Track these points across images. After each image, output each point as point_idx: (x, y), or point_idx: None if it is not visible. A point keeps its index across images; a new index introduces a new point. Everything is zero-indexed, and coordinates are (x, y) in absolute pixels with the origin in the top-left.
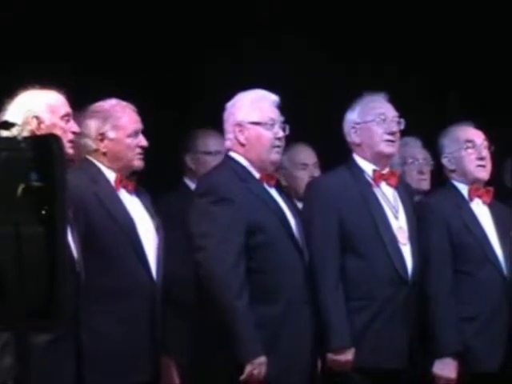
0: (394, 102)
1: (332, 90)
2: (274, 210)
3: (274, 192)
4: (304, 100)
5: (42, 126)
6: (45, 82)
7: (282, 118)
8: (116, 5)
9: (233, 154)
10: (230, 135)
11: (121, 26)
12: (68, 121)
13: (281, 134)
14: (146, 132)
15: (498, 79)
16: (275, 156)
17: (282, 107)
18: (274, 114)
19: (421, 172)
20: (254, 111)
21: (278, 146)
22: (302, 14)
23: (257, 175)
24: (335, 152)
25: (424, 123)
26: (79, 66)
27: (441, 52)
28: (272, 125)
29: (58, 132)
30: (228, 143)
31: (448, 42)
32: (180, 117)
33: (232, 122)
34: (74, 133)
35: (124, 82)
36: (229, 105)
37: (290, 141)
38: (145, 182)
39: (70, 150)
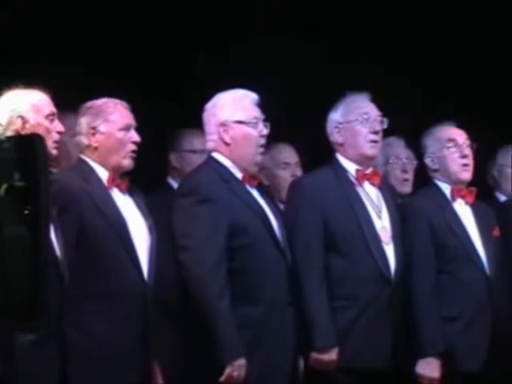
0: (378, 101)
1: (321, 90)
2: (256, 211)
3: (255, 193)
4: (289, 100)
5: (27, 125)
6: (44, 82)
7: (263, 116)
8: (114, 5)
9: (215, 155)
10: (213, 136)
11: (117, 25)
12: (53, 120)
13: (265, 131)
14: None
15: (481, 79)
16: (259, 157)
17: (266, 107)
18: (256, 112)
19: (404, 171)
20: (237, 110)
21: (262, 145)
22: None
23: (239, 176)
24: (318, 152)
25: (407, 123)
26: (77, 66)
27: (425, 52)
28: (256, 123)
29: (42, 132)
30: (211, 144)
31: (432, 43)
32: (165, 116)
33: (215, 122)
34: (59, 132)
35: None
36: (208, 106)
37: (272, 140)
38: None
39: (54, 151)
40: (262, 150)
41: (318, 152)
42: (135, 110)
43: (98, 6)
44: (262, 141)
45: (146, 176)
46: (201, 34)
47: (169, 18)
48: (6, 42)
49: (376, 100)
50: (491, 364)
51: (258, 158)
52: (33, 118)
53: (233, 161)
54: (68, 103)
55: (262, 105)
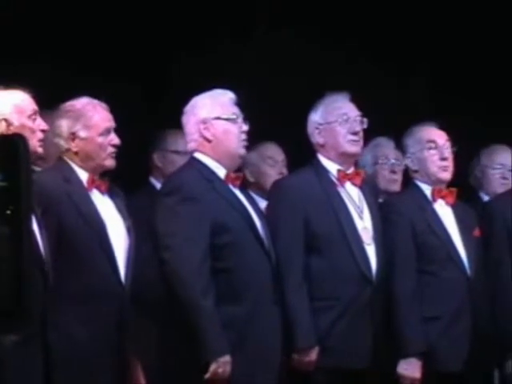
0: (365, 102)
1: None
2: (240, 210)
3: (238, 193)
4: (276, 99)
5: (11, 127)
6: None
7: (241, 114)
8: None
9: (198, 155)
10: (193, 136)
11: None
12: (35, 119)
13: (245, 127)
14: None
15: (467, 80)
16: (242, 150)
17: (252, 106)
18: (235, 109)
19: (393, 172)
20: (216, 107)
21: (244, 140)
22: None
23: (222, 176)
24: (303, 152)
25: (396, 123)
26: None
27: (413, 54)
28: (235, 119)
29: (27, 132)
30: (192, 144)
31: (422, 44)
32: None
33: (195, 121)
34: (42, 130)
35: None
36: (187, 107)
37: (259, 139)
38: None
39: (39, 149)
40: (244, 143)
41: (304, 151)
42: (118, 110)
43: (88, 7)
44: (243, 136)
45: (128, 176)
46: (183, 34)
47: (154, 19)
48: (6, 41)
49: (360, 99)
50: (471, 363)
51: (242, 151)
52: (16, 120)
53: (216, 159)
54: (54, 102)
55: (248, 104)
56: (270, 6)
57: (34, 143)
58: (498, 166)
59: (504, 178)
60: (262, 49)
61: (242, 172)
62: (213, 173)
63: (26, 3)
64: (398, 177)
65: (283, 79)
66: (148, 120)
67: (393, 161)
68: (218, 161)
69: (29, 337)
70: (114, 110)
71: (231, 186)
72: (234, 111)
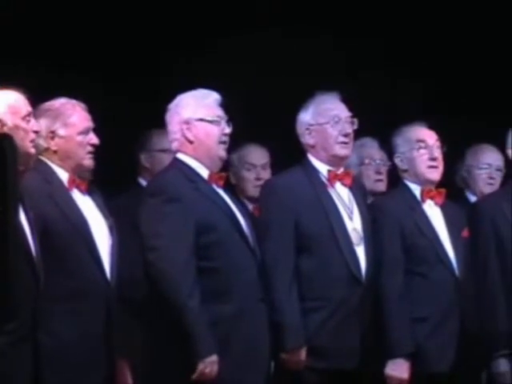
0: (350, 101)
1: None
2: (224, 209)
3: (222, 192)
4: (261, 100)
5: (5, 128)
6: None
7: (225, 116)
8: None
9: (180, 156)
10: (176, 135)
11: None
12: (29, 121)
13: (227, 130)
14: (97, 130)
15: (455, 80)
16: (223, 152)
17: (237, 107)
18: (219, 111)
19: (378, 172)
20: (200, 108)
21: (225, 142)
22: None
23: (205, 176)
24: (290, 151)
25: (380, 124)
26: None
27: (401, 52)
28: (219, 121)
29: (20, 133)
30: (175, 144)
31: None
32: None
33: (178, 120)
34: (35, 132)
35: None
36: (171, 106)
37: (244, 140)
38: (98, 181)
39: (32, 150)
40: (225, 146)
41: (291, 151)
42: (104, 109)
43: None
44: (225, 138)
45: (116, 176)
46: (172, 34)
47: (144, 20)
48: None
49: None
50: (459, 364)
51: (222, 154)
52: (10, 120)
53: (198, 159)
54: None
55: (234, 104)
56: (254, 5)
57: (27, 144)
58: (484, 166)
59: (490, 178)
60: (249, 48)
61: (226, 172)
62: (196, 173)
63: (25, 3)
64: (384, 177)
65: (270, 79)
66: (137, 120)
67: (378, 161)
68: (200, 161)
69: (19, 338)
70: (106, 110)
71: (215, 186)
72: (217, 113)
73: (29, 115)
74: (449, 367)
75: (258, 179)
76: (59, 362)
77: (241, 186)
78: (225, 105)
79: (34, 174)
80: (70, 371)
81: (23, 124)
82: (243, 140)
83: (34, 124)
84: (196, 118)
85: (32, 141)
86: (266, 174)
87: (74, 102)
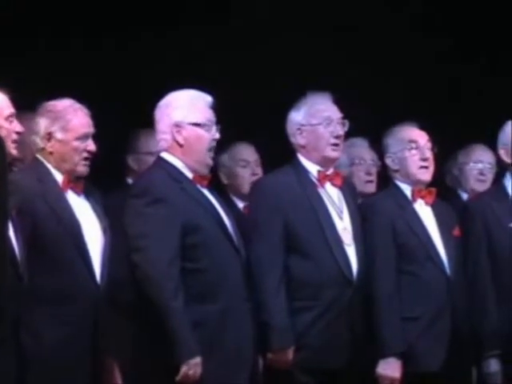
0: (341, 102)
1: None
2: (209, 209)
3: (207, 192)
4: (247, 100)
5: None
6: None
7: (215, 120)
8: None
9: (165, 156)
10: (165, 135)
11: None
12: (12, 121)
13: (217, 135)
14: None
15: (440, 81)
16: (210, 160)
17: (222, 107)
18: (210, 115)
19: (368, 173)
20: (192, 112)
21: (213, 148)
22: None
23: (190, 176)
24: (279, 151)
25: (370, 124)
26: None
27: (386, 51)
28: (210, 126)
29: (3, 132)
30: (163, 144)
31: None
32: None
33: (168, 122)
34: (17, 133)
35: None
36: (162, 104)
37: (233, 140)
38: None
39: (13, 151)
40: (212, 153)
41: (279, 151)
42: (98, 111)
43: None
44: (213, 144)
45: (107, 176)
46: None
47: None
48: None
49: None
50: (450, 363)
51: (209, 161)
52: None
53: (184, 161)
54: (33, 102)
55: (219, 105)
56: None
57: (9, 145)
58: (476, 163)
59: (481, 174)
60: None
61: (213, 173)
62: (181, 173)
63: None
64: (374, 178)
65: (260, 79)
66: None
67: (369, 162)
68: (186, 164)
69: (1, 338)
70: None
71: (199, 186)
72: (209, 117)
73: (12, 116)
74: (440, 367)
75: (253, 175)
76: (46, 362)
77: (235, 185)
78: (216, 108)
79: (28, 172)
80: (57, 371)
81: (6, 124)
82: (228, 140)
83: (16, 125)
84: (187, 121)
85: (14, 141)
86: (260, 170)
87: (78, 105)
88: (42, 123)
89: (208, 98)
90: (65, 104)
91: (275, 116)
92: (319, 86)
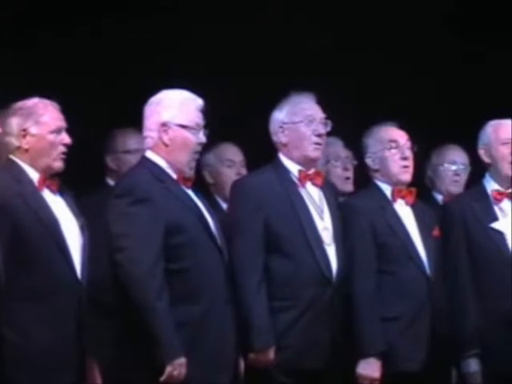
0: (320, 102)
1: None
2: (193, 209)
3: (191, 193)
4: (230, 100)
5: None
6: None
7: (203, 123)
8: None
9: (150, 155)
10: (152, 133)
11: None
12: None
13: (204, 140)
14: (69, 131)
15: (417, 79)
16: (193, 163)
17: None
18: (199, 119)
19: (345, 169)
20: (182, 113)
21: (198, 152)
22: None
23: (174, 176)
24: (261, 151)
25: (345, 124)
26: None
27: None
28: (198, 130)
29: None
30: (149, 141)
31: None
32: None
33: (157, 120)
34: None
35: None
36: (153, 101)
37: (218, 140)
38: (67, 182)
39: None
40: (197, 156)
41: (262, 151)
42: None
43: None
44: (199, 148)
45: (85, 176)
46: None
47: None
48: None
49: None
50: (430, 363)
51: (193, 164)
52: None
53: (168, 161)
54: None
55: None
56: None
57: None
58: (450, 163)
59: (456, 175)
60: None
61: (197, 173)
62: (165, 173)
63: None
64: (350, 174)
65: (243, 78)
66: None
67: (344, 159)
68: (170, 164)
69: None
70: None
71: (183, 187)
72: (197, 121)
73: None
74: (419, 366)
75: (238, 175)
76: (29, 361)
77: (220, 184)
78: (205, 111)
79: (3, 173)
80: (40, 370)
81: None
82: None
83: None
84: (175, 122)
85: None
86: (245, 171)
87: (47, 101)
88: (15, 122)
89: (199, 101)
90: (34, 101)
91: (258, 116)
92: (304, 87)
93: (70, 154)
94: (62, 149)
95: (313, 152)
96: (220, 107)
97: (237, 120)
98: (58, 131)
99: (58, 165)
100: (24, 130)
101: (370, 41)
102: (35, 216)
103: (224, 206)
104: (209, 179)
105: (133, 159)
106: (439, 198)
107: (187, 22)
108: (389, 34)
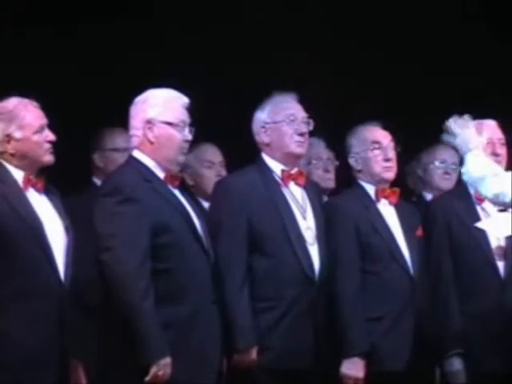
0: (301, 102)
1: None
2: (179, 210)
3: (177, 193)
4: (212, 100)
5: None
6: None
7: (189, 121)
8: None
9: (137, 154)
10: (137, 131)
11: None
12: None
13: (189, 137)
14: (53, 129)
15: (403, 80)
16: (181, 158)
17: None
18: (185, 116)
19: (326, 170)
20: (167, 111)
21: (184, 149)
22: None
23: (161, 176)
24: (243, 152)
25: (327, 124)
26: None
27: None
28: (183, 127)
29: None
30: (135, 140)
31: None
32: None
33: (142, 118)
34: None
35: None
36: (139, 100)
37: (198, 140)
38: (53, 181)
39: None
40: (184, 153)
41: (243, 151)
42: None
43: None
44: (185, 145)
45: (71, 176)
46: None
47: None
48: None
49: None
50: (414, 363)
51: (180, 159)
52: None
53: (155, 160)
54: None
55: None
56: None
57: None
58: (441, 162)
59: (446, 173)
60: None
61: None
62: (152, 173)
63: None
64: (332, 175)
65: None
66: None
67: (326, 160)
68: (157, 163)
69: None
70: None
71: (170, 187)
72: (183, 119)
73: None
74: (403, 366)
75: (218, 176)
76: (10, 361)
77: (201, 186)
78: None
79: None
80: (21, 371)
81: None
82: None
83: None
84: (160, 119)
85: None
86: (224, 172)
87: (26, 101)
88: None
89: (185, 99)
90: (13, 103)
91: (238, 116)
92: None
93: (57, 154)
94: (48, 146)
95: (296, 148)
96: (203, 107)
97: (219, 120)
98: (41, 130)
99: (48, 159)
100: (7, 135)
101: (355, 40)
102: (17, 216)
103: (206, 204)
104: (189, 180)
105: (120, 158)
106: (429, 197)
107: (169, 24)
108: (388, 34)
